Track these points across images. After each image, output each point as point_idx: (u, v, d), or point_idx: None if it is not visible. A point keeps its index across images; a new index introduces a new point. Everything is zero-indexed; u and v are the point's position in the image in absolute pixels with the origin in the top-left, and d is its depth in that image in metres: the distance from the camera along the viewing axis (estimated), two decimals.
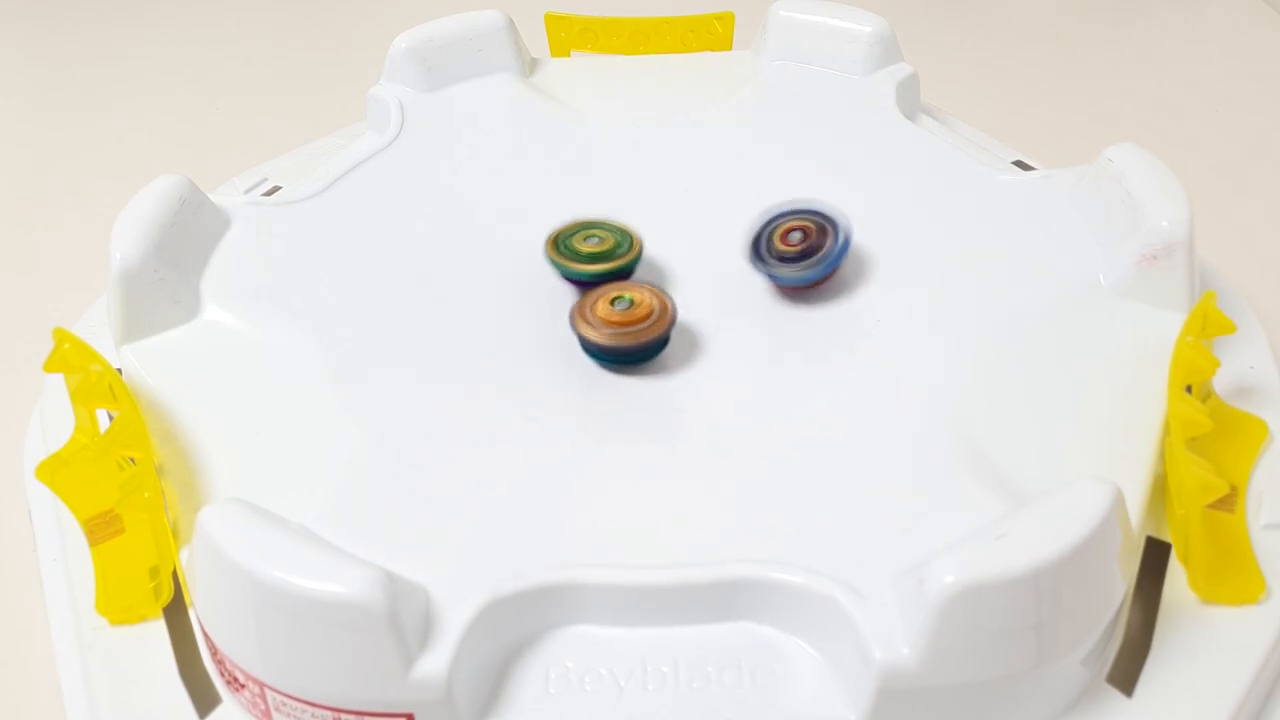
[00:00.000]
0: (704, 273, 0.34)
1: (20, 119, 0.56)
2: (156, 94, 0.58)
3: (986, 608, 0.23)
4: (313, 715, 0.24)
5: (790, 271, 0.32)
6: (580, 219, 0.34)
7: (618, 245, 0.33)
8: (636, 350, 0.30)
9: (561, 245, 0.33)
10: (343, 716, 0.24)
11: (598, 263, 0.32)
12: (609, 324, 0.30)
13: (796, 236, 0.32)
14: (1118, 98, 0.55)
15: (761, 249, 0.32)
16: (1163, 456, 0.29)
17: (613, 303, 0.31)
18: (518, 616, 0.25)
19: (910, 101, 0.41)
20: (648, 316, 0.30)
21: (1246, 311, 0.35)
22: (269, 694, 0.25)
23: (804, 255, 0.32)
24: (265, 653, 0.24)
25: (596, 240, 0.33)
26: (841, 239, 0.31)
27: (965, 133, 0.43)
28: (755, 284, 0.34)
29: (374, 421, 0.29)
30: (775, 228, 0.32)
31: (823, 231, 0.32)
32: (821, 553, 0.25)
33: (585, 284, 0.33)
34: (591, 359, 0.31)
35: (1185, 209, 0.32)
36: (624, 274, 0.33)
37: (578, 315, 0.31)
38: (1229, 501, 0.29)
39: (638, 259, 0.33)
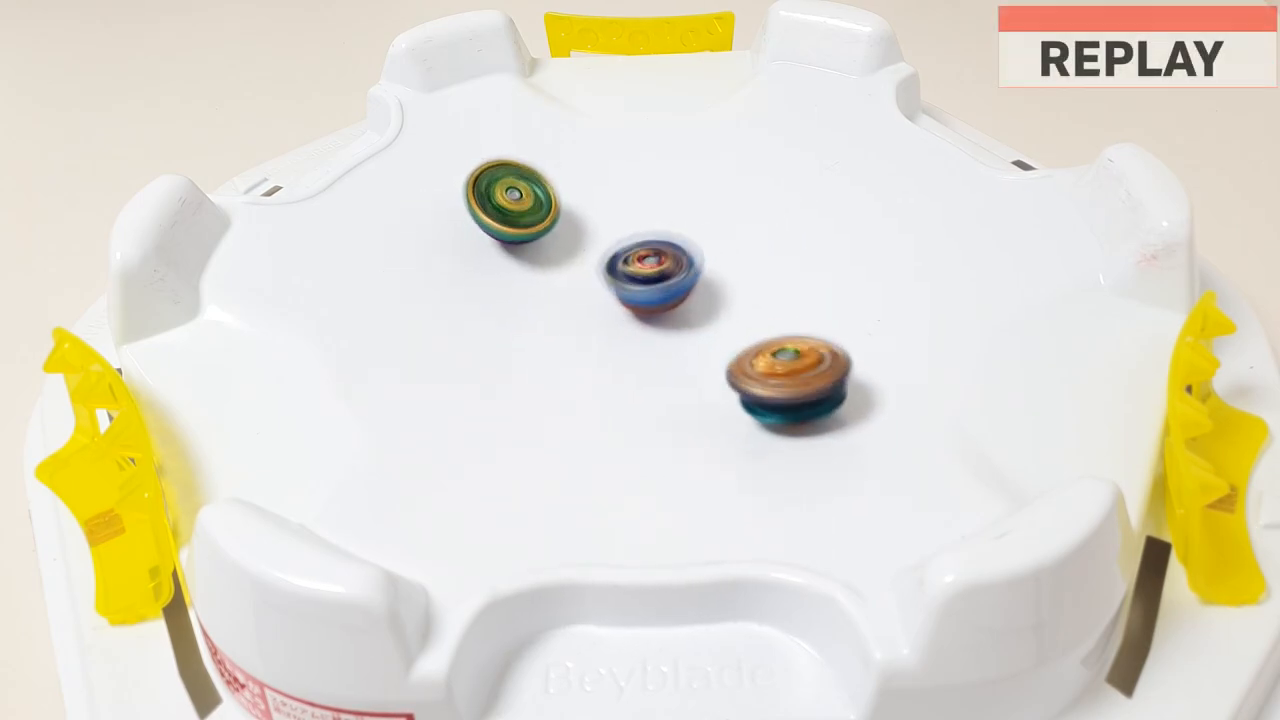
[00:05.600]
0: (704, 273, 0.34)
1: (21, 119, 0.56)
2: (157, 94, 0.58)
3: (987, 607, 0.23)
4: (313, 715, 0.24)
5: (641, 292, 0.32)
6: (482, 165, 0.35)
7: (537, 200, 0.34)
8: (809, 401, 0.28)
9: (485, 204, 0.34)
10: (342, 716, 0.24)
11: (533, 226, 0.34)
12: (774, 376, 0.28)
13: (652, 261, 0.32)
14: (1118, 98, 0.55)
15: (617, 268, 0.32)
16: (1163, 456, 0.29)
17: (775, 354, 0.29)
18: (517, 616, 0.25)
19: (910, 101, 0.41)
20: (817, 364, 0.28)
21: (1246, 311, 0.35)
22: (269, 694, 0.25)
23: (657, 279, 0.32)
24: (265, 653, 0.24)
25: (516, 195, 0.34)
26: (694, 272, 0.32)
27: (965, 133, 0.43)
28: (753, 285, 0.34)
29: (374, 421, 0.29)
30: (632, 252, 0.33)
31: (677, 262, 0.32)
32: (821, 553, 0.25)
33: (506, 244, 0.34)
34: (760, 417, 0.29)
35: (1185, 209, 0.32)
36: (533, 239, 0.34)
37: (738, 373, 0.29)
38: (1229, 501, 0.29)
39: (551, 226, 0.34)
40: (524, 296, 0.34)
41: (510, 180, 0.34)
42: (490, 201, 0.34)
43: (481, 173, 0.34)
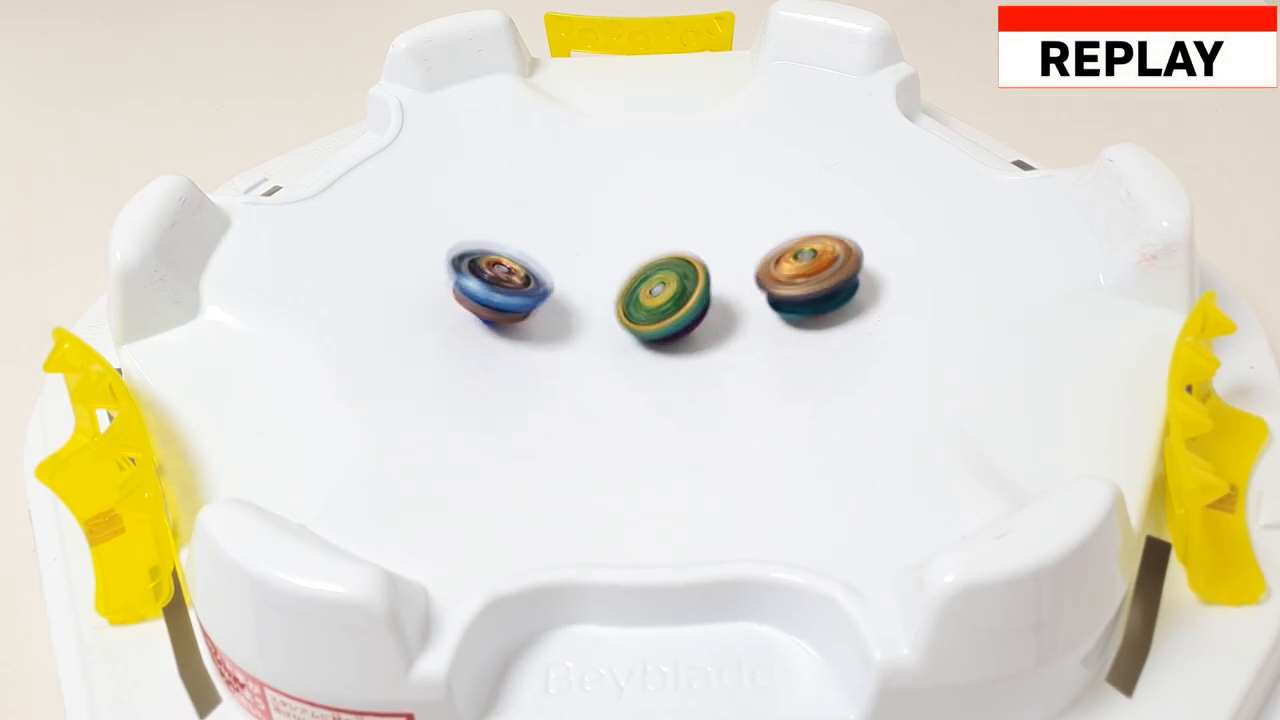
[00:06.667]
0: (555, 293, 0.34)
1: (21, 119, 0.56)
2: (157, 94, 0.58)
3: (987, 607, 0.23)
4: (313, 715, 0.24)
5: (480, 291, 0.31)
6: (639, 268, 0.33)
7: (682, 291, 0.31)
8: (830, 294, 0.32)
9: (630, 307, 0.32)
10: (342, 716, 0.24)
11: (666, 318, 0.31)
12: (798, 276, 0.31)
13: (502, 270, 0.32)
14: (1118, 98, 0.55)
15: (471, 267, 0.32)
16: (1163, 456, 0.29)
17: (796, 256, 0.32)
18: (517, 616, 0.25)
19: (910, 101, 0.41)
20: (833, 262, 0.32)
21: (1246, 311, 0.35)
22: (269, 694, 0.25)
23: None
24: (265, 653, 0.24)
25: (661, 288, 0.32)
26: (542, 292, 0.32)
27: (965, 133, 0.43)
28: (752, 286, 0.34)
29: (374, 421, 0.29)
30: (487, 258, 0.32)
31: (527, 281, 0.32)
32: (821, 553, 0.25)
33: (659, 341, 0.32)
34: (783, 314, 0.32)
35: (1185, 209, 0.32)
36: (696, 318, 0.32)
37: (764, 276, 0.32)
38: (1229, 501, 0.29)
39: (705, 296, 0.31)
40: None
41: (659, 276, 0.32)
42: (635, 303, 0.32)
43: (631, 285, 0.33)
